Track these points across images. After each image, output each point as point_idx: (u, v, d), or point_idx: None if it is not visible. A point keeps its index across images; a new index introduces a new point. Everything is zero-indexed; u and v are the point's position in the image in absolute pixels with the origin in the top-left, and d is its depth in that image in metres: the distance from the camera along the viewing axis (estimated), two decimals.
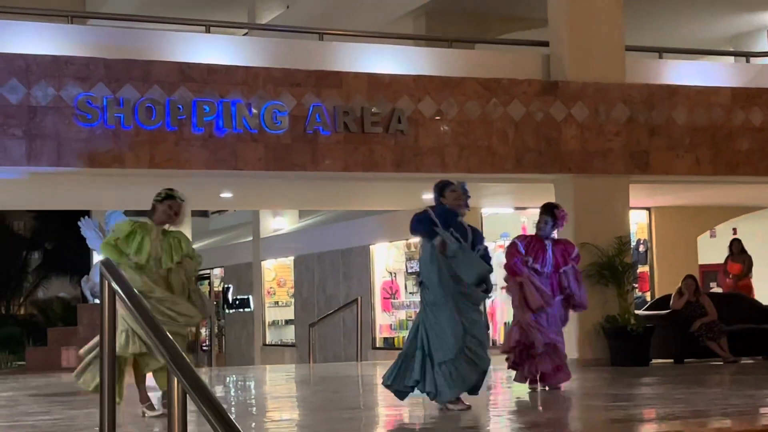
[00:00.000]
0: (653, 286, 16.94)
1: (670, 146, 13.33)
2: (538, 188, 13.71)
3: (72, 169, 10.87)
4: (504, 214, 17.07)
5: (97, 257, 13.12)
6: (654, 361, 12.77)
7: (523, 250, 9.41)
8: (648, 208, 17.13)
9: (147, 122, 11.00)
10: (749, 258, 15.96)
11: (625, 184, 13.24)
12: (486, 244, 8.17)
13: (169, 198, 7.89)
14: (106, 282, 4.95)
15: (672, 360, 13.06)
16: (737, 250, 15.98)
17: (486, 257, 7.94)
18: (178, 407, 4.01)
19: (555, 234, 9.85)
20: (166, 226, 7.94)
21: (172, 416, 4.03)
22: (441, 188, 8.06)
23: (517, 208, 16.86)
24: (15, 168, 10.72)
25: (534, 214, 16.83)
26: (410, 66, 12.58)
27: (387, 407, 8.06)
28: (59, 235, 31.96)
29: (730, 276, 15.88)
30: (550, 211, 9.60)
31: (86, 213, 15.69)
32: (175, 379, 3.98)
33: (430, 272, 7.76)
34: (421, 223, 7.86)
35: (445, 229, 7.77)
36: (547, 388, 9.29)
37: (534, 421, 7.51)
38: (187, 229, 26.83)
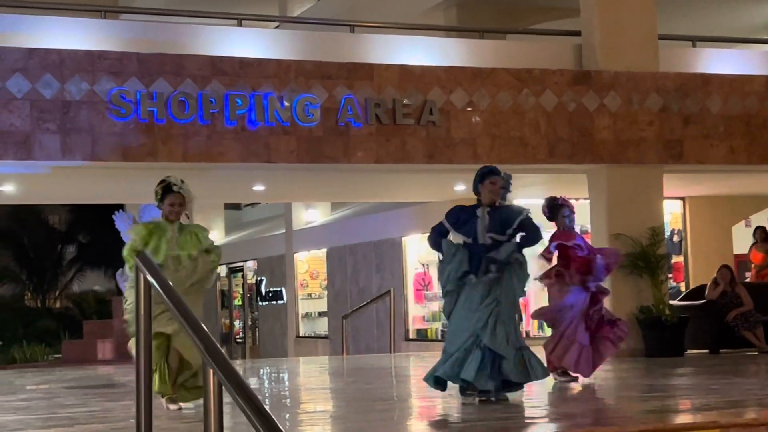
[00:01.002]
0: (687, 277, 16.83)
1: (704, 135, 13.23)
2: (571, 178, 13.65)
3: (106, 163, 10.95)
4: (536, 205, 16.97)
5: None
6: (689, 351, 12.70)
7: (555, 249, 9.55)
8: (682, 198, 17.01)
9: (180, 116, 11.06)
10: None
11: (658, 173, 13.15)
12: (518, 224, 8.02)
13: (166, 194, 7.85)
14: (142, 275, 4.99)
15: (707, 350, 12.98)
16: (761, 238, 15.75)
17: (527, 229, 7.90)
18: (214, 399, 4.03)
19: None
20: (182, 220, 7.93)
21: (207, 408, 4.06)
22: (481, 178, 8.02)
23: None
24: (50, 162, 10.81)
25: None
26: (442, 57, 12.56)
27: (420, 398, 8.07)
28: (94, 229, 32.18)
29: (753, 265, 15.69)
30: (564, 203, 9.70)
31: (120, 207, 15.77)
32: (211, 371, 4.00)
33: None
34: (431, 239, 7.92)
35: (457, 229, 7.81)
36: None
37: (569, 412, 7.49)
38: (220, 222, 27.02)
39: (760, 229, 15.84)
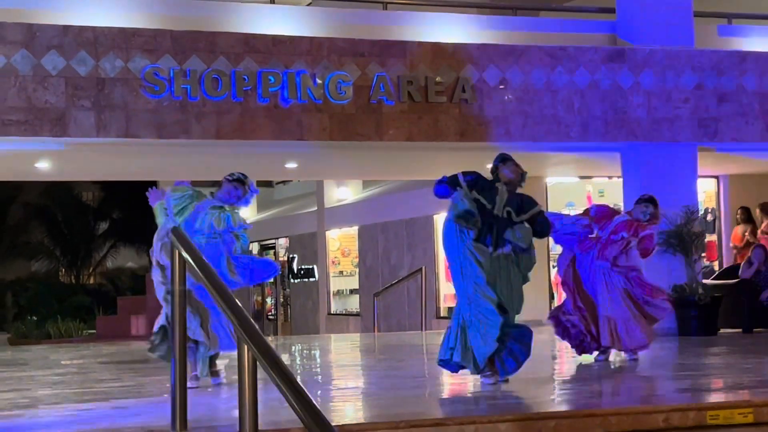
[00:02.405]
0: (721, 256, 16.72)
1: (740, 113, 13.11)
2: (604, 157, 13.58)
3: (140, 140, 11.01)
4: (569, 183, 16.95)
5: None
6: (722, 330, 12.64)
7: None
8: (716, 176, 16.88)
9: (213, 93, 11.08)
10: (754, 226, 15.40)
11: (693, 151, 13.06)
12: (540, 209, 7.99)
13: (238, 181, 8.07)
14: (177, 251, 5.02)
15: (740, 329, 12.91)
16: (743, 218, 15.47)
17: (539, 223, 7.85)
18: (249, 374, 4.07)
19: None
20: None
21: (242, 383, 4.09)
22: (503, 160, 8.00)
23: (581, 177, 16.73)
24: (84, 139, 10.87)
25: (599, 183, 16.79)
26: (474, 34, 12.51)
27: (451, 376, 8.08)
28: (127, 206, 32.40)
29: (732, 246, 15.45)
30: (655, 203, 9.65)
31: (153, 183, 15.88)
32: (245, 347, 4.03)
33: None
34: (440, 185, 7.86)
35: (471, 188, 7.77)
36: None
37: (600, 390, 7.49)
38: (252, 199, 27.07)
39: (742, 209, 15.57)
